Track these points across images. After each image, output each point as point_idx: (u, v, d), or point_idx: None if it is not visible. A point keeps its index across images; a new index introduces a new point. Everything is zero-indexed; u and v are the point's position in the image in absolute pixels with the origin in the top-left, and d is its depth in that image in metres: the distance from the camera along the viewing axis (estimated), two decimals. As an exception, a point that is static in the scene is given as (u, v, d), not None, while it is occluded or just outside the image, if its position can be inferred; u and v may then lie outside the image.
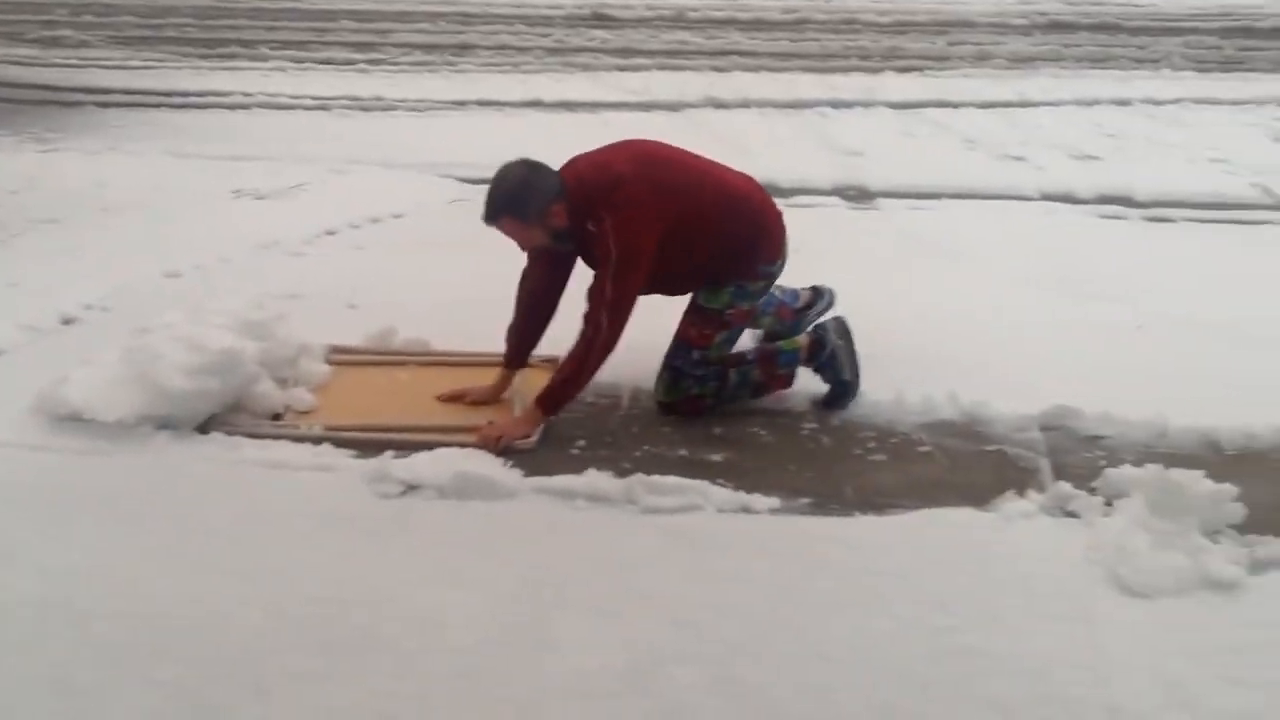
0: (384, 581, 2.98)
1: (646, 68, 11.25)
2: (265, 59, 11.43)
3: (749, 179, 4.14)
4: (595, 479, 3.46)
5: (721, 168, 4.09)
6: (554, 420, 3.84)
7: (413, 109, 9.48)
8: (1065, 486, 3.40)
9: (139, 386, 3.74)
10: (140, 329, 3.96)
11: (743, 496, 3.42)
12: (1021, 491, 3.42)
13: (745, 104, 9.68)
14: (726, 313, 3.96)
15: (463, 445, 3.66)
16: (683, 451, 3.77)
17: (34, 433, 3.70)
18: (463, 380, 4.16)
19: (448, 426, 3.85)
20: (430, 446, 3.63)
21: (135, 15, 13.87)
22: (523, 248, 3.95)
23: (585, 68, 11.37)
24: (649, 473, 3.49)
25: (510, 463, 3.55)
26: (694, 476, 3.50)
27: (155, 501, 3.33)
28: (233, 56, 11.58)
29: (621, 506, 3.36)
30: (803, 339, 4.14)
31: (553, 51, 12.19)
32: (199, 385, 3.76)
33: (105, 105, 9.51)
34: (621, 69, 11.21)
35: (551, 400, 3.80)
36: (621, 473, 3.52)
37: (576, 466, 3.56)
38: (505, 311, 4.07)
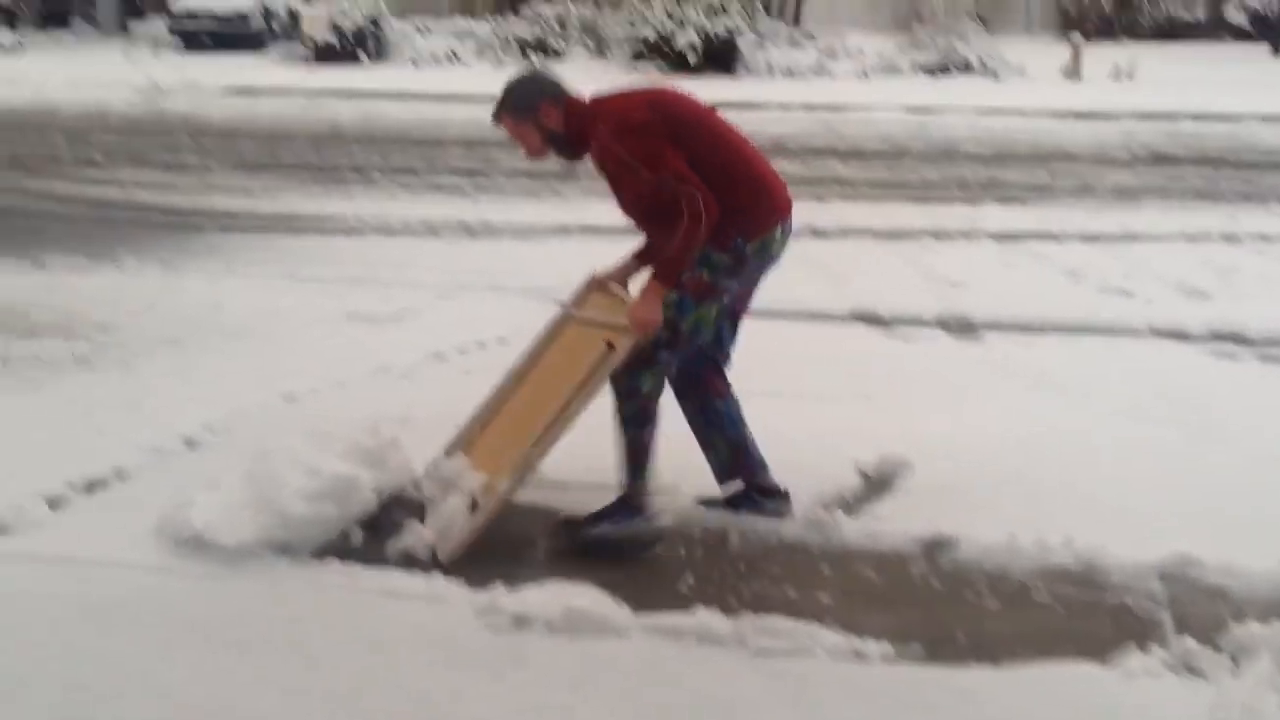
0: (493, 717, 2.99)
1: (747, 196, 11.36)
2: (378, 185, 11.78)
3: (764, 158, 4.12)
4: (705, 618, 3.44)
5: (741, 134, 4.10)
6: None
7: (518, 234, 9.67)
8: (1189, 642, 3.31)
9: (259, 510, 3.82)
10: (262, 452, 4.05)
11: (854, 641, 3.37)
12: (1143, 646, 3.33)
13: (844, 233, 9.73)
14: (685, 275, 3.89)
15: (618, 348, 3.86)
16: (791, 592, 3.74)
17: (155, 555, 3.79)
18: (535, 387, 4.25)
19: (599, 359, 3.93)
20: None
21: (254, 141, 14.42)
22: (528, 154, 4.12)
23: (685, 195, 11.48)
24: (758, 613, 3.48)
25: (620, 598, 3.54)
26: (803, 618, 3.48)
27: (271, 629, 3.38)
28: (346, 182, 11.96)
29: (731, 648, 3.34)
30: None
31: (654, 179, 12.33)
32: (317, 511, 3.83)
33: (226, 229, 9.84)
34: (722, 197, 11.30)
35: (669, 271, 3.83)
36: (730, 612, 3.51)
37: (685, 604, 3.56)
38: (604, 434, 4.11)
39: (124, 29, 27.61)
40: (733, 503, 4.23)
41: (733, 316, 4.17)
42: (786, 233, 4.07)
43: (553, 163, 4.29)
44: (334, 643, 3.32)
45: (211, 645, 3.29)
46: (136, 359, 6.00)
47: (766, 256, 4.01)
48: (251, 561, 3.72)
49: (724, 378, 4.21)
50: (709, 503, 4.24)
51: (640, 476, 4.02)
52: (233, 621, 3.42)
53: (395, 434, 4.44)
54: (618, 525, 3.99)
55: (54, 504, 4.20)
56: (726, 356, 4.22)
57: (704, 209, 3.74)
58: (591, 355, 3.99)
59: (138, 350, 6.16)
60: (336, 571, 3.72)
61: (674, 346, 3.94)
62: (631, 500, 4.02)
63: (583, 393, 3.94)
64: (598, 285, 4.29)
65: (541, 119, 4.00)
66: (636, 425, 3.98)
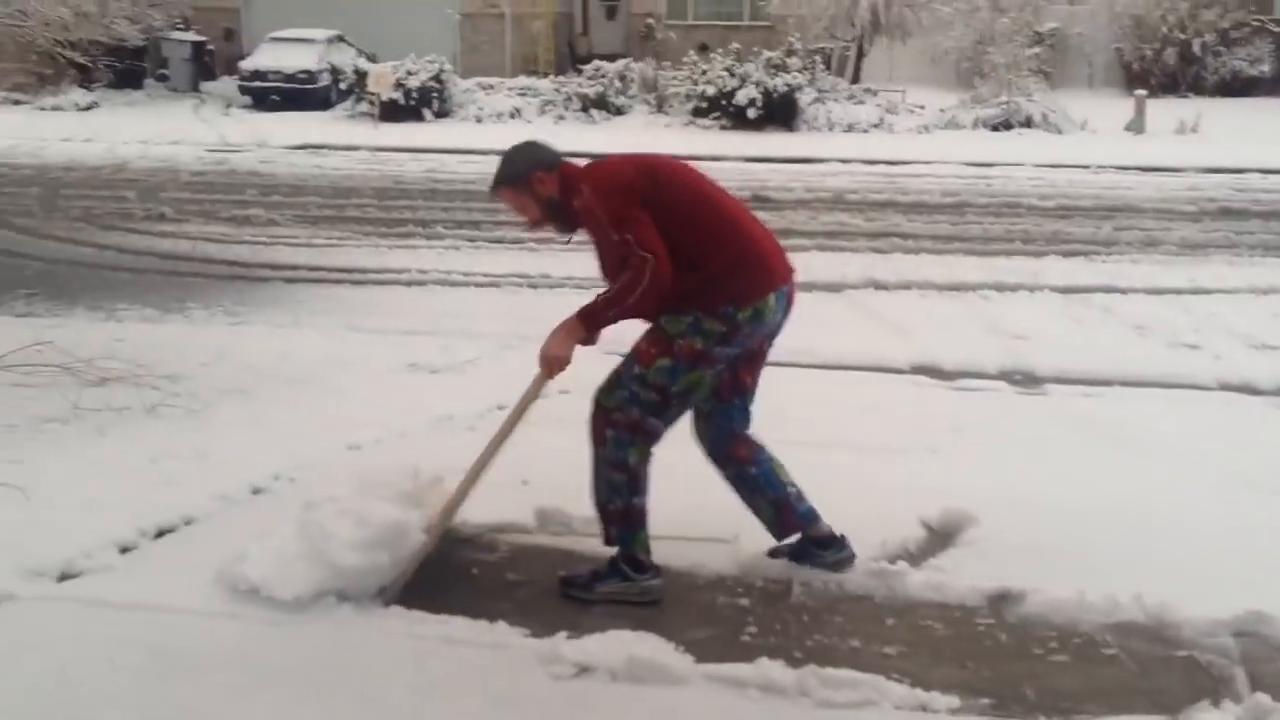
0: (557, 766, 2.98)
1: (806, 248, 11.38)
2: (440, 238, 11.92)
3: (761, 227, 4.06)
4: (768, 668, 3.42)
5: (738, 203, 4.07)
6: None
7: (578, 286, 9.70)
8: (1263, 699, 3.24)
9: (313, 563, 3.85)
10: (308, 503, 4.07)
11: (920, 694, 3.34)
12: (1216, 702, 3.27)
13: (906, 285, 9.72)
14: (677, 341, 3.86)
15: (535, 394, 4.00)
16: (855, 643, 3.71)
17: (222, 601, 3.82)
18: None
19: (517, 409, 4.05)
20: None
21: (320, 196, 14.65)
22: (529, 225, 4.08)
23: (747, 249, 11.53)
24: (821, 664, 3.45)
25: (682, 647, 3.53)
26: (867, 670, 3.44)
27: (339, 676, 3.40)
28: (410, 235, 12.11)
29: (794, 699, 3.32)
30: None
31: (715, 233, 12.41)
32: (370, 560, 3.85)
33: (291, 281, 9.99)
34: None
35: (592, 314, 3.83)
36: (793, 662, 3.48)
37: (748, 654, 3.54)
38: (670, 491, 4.11)
39: (196, 88, 28.20)
40: (796, 555, 4.20)
41: (740, 393, 4.10)
42: (785, 301, 3.98)
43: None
44: (401, 690, 3.32)
45: (281, 692, 3.31)
46: (205, 408, 6.09)
47: (760, 324, 3.92)
48: (317, 608, 3.75)
49: (748, 444, 4.14)
50: (775, 553, 4.22)
51: (634, 542, 4.00)
52: (301, 668, 3.44)
53: (437, 474, 4.43)
54: (625, 585, 3.98)
55: (125, 550, 4.26)
56: (742, 433, 4.14)
57: (651, 276, 3.71)
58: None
59: (207, 399, 6.25)
60: (400, 617, 3.75)
61: (662, 413, 3.94)
62: (629, 561, 4.00)
63: (503, 428, 4.07)
64: None
65: (537, 188, 3.98)
66: (629, 494, 3.97)
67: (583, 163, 4.08)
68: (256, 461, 5.14)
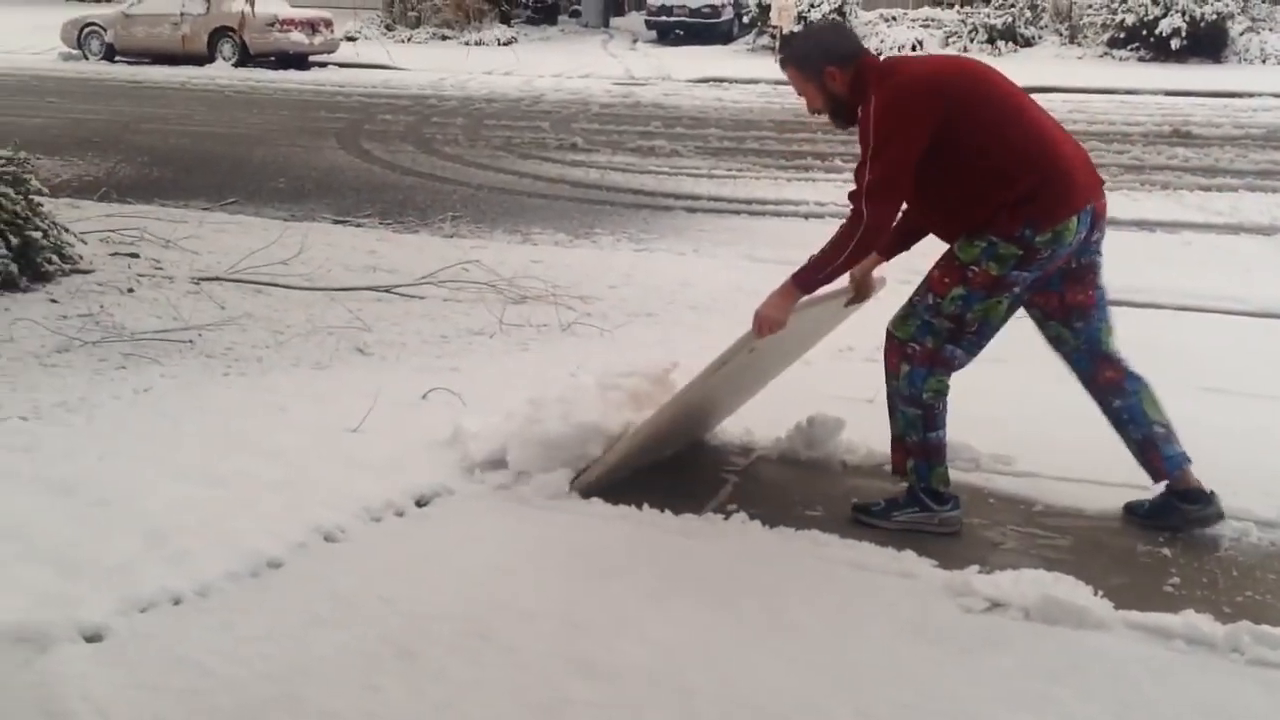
0: (969, 698, 2.93)
1: (1234, 188, 10.61)
2: (839, 170, 11.86)
3: (1072, 141, 3.76)
4: (1195, 620, 3.22)
5: (1047, 115, 3.76)
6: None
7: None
8: None
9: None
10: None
11: (1368, 662, 3.06)
12: None
13: (1350, 229, 8.86)
14: (970, 268, 3.64)
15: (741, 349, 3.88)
16: (1291, 603, 3.46)
17: (635, 508, 3.98)
18: None
19: (718, 361, 3.97)
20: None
21: (720, 128, 14.91)
22: (808, 108, 3.91)
23: (1165, 186, 10.91)
24: (1256, 620, 3.23)
25: (1100, 593, 3.39)
26: (1306, 631, 3.19)
27: (745, 588, 3.46)
28: (808, 168, 12.13)
29: (1224, 654, 3.12)
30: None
31: (1129, 169, 11.81)
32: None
33: (692, 210, 10.23)
34: (1205, 189, 10.65)
35: (805, 277, 3.75)
36: (1223, 617, 3.28)
37: (1172, 605, 3.36)
38: (1082, 430, 3.93)
39: (605, 24, 29.27)
40: (1156, 512, 3.93)
41: (1079, 314, 3.83)
42: (1089, 219, 3.67)
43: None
44: (808, 609, 3.33)
45: (692, 600, 3.40)
46: (616, 328, 6.36)
47: (1060, 246, 3.63)
48: (722, 523, 3.89)
49: (1113, 369, 3.88)
50: (1133, 512, 3.98)
51: (931, 476, 3.88)
52: (710, 578, 3.53)
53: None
54: (924, 515, 3.89)
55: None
56: (1101, 355, 3.89)
57: (862, 236, 3.60)
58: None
59: (616, 320, 6.53)
60: (806, 539, 3.79)
61: (959, 341, 3.77)
62: (928, 491, 3.89)
63: (713, 366, 3.99)
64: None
65: (826, 82, 3.79)
66: (924, 429, 3.85)
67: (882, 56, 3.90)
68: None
